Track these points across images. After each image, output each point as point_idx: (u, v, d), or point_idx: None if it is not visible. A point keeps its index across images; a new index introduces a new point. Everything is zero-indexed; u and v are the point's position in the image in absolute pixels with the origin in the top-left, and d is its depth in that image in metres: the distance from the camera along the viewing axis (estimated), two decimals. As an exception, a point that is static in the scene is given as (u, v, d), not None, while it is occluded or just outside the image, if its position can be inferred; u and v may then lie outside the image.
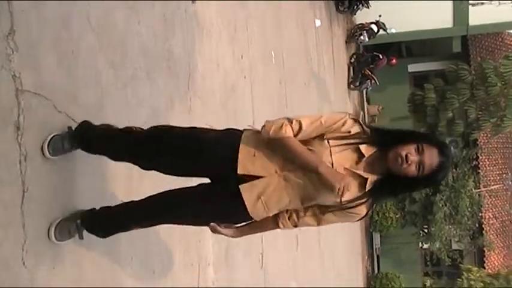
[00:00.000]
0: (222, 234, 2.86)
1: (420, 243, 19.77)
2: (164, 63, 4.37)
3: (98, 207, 2.99)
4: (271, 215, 2.74)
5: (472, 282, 17.62)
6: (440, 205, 17.26)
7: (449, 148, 2.67)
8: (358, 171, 2.62)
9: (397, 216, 18.49)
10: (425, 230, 18.64)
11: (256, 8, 7.44)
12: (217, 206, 2.72)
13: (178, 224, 3.07)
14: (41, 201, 2.74)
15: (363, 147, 2.62)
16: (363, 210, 2.72)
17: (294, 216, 2.81)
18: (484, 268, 19.54)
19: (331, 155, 2.59)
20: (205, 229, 4.72)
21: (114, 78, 3.58)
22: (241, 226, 2.93)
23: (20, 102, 2.65)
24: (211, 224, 2.81)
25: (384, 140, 2.65)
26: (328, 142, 2.62)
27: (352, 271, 15.13)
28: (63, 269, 2.87)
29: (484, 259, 20.07)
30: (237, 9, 6.54)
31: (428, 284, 19.16)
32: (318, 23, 12.40)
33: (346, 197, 2.58)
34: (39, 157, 2.74)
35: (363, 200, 2.66)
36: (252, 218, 2.76)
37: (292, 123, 2.62)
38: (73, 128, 2.93)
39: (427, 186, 2.87)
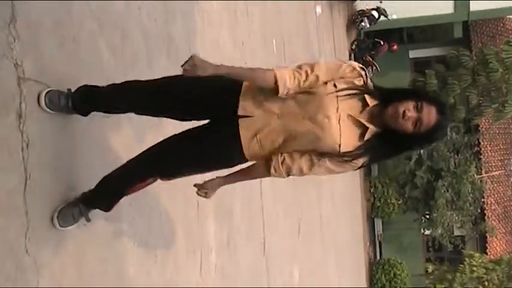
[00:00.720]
0: (208, 193, 2.88)
1: (422, 229, 19.83)
2: (165, 49, 4.37)
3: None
4: (264, 154, 2.70)
5: (474, 268, 17.70)
6: (442, 191, 17.31)
7: (448, 109, 2.66)
8: (360, 120, 2.61)
9: (399, 202, 18.54)
10: (427, 216, 18.72)
11: (256, -6, 7.42)
12: (215, 143, 2.71)
13: (177, 171, 2.87)
14: (43, 188, 2.75)
15: (367, 97, 2.62)
16: (359, 161, 2.68)
17: (288, 160, 2.69)
18: (486, 254, 19.61)
19: (337, 99, 2.58)
20: (208, 215, 4.78)
21: (115, 64, 3.58)
22: (231, 173, 2.90)
23: (22, 90, 2.64)
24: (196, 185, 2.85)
25: (386, 94, 2.65)
26: (335, 86, 2.60)
27: (354, 257, 15.19)
28: (66, 256, 2.88)
29: (486, 245, 20.15)
30: (237, -4, 6.52)
31: (430, 270, 19.21)
32: (318, 9, 12.38)
33: (345, 146, 2.58)
34: (41, 144, 2.75)
35: (361, 151, 2.64)
36: (246, 160, 2.74)
37: (307, 75, 2.60)
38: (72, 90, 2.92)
39: (423, 144, 2.84)
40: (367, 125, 2.61)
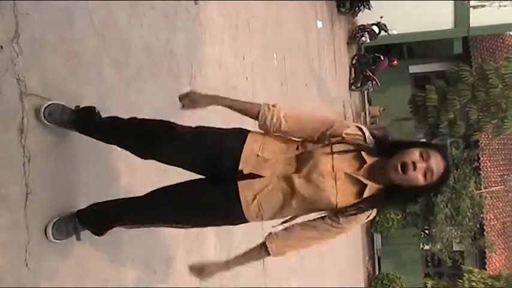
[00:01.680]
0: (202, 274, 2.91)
1: (421, 244, 19.79)
2: (166, 63, 4.39)
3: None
4: (264, 218, 2.69)
5: (474, 284, 17.62)
6: (442, 206, 17.28)
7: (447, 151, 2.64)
8: (358, 177, 2.56)
9: (398, 217, 18.51)
10: (427, 231, 18.67)
11: (258, 9, 7.46)
12: (213, 201, 2.67)
13: (170, 222, 2.89)
14: (44, 203, 2.75)
15: (365, 154, 2.57)
16: (362, 217, 2.65)
17: (282, 234, 2.74)
18: (485, 269, 19.55)
19: (332, 158, 2.56)
20: (207, 230, 4.77)
21: (117, 79, 3.59)
22: (231, 259, 2.92)
23: (24, 105, 2.66)
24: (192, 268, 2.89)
25: (385, 148, 2.59)
26: (330, 145, 2.59)
27: (353, 272, 15.13)
28: (66, 271, 2.87)
29: (485, 260, 20.08)
30: (239, 10, 6.55)
31: (429, 285, 19.14)
32: (319, 24, 12.43)
33: (342, 204, 2.55)
34: (42, 159, 2.75)
35: (362, 207, 2.59)
36: (246, 221, 2.72)
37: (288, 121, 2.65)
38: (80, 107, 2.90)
39: (431, 192, 2.79)
40: (365, 182, 2.56)
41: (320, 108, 11.17)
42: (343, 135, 2.60)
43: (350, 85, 17.32)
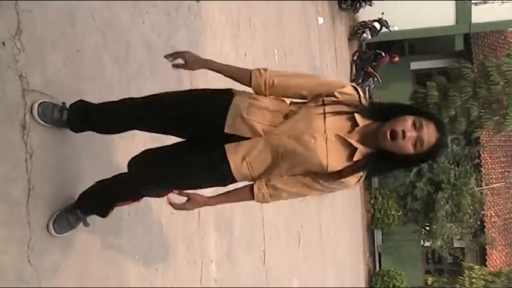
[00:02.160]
0: (187, 205, 2.81)
1: (422, 240, 19.82)
2: (168, 61, 4.38)
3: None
4: (255, 176, 2.64)
5: (474, 280, 17.64)
6: (442, 203, 17.31)
7: (444, 124, 2.52)
8: (349, 140, 2.50)
9: (398, 213, 18.53)
10: (427, 228, 18.70)
11: (259, 6, 7.46)
12: (202, 165, 2.64)
13: (164, 185, 2.81)
14: (46, 199, 2.77)
15: (358, 117, 2.51)
16: (352, 180, 2.58)
17: (272, 182, 2.64)
18: (486, 266, 19.56)
19: (324, 118, 2.49)
20: (208, 226, 4.78)
21: (118, 75, 3.60)
22: (216, 195, 2.83)
23: (26, 101, 2.67)
24: (171, 198, 2.80)
25: (379, 113, 2.53)
26: (323, 105, 2.52)
27: (354, 268, 15.16)
28: (68, 267, 2.89)
29: (486, 257, 20.10)
30: (240, 7, 6.55)
31: (429, 282, 19.15)
32: (320, 20, 12.41)
33: (333, 166, 2.50)
34: (45, 155, 2.76)
35: (351, 171, 2.53)
36: (235, 179, 2.67)
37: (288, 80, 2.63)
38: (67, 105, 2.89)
39: (422, 162, 2.67)
40: (356, 145, 2.50)
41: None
42: (338, 95, 2.54)
43: (351, 81, 17.30)
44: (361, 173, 2.58)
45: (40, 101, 2.73)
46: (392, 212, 18.34)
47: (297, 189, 2.66)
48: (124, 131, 3.00)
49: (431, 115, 2.51)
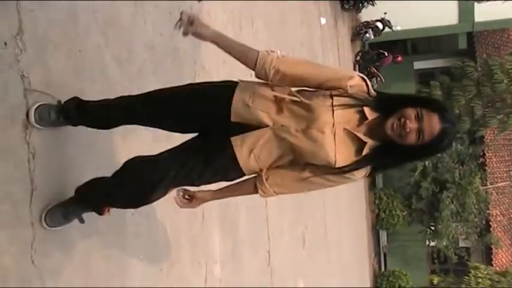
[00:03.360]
0: (192, 203, 2.81)
1: (427, 240, 19.79)
2: (170, 60, 4.39)
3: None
4: (263, 168, 2.60)
5: (480, 280, 17.61)
6: (447, 202, 17.29)
7: (452, 114, 2.49)
8: (358, 134, 2.49)
9: (403, 213, 18.52)
10: (432, 228, 18.68)
11: (261, 6, 7.45)
12: (210, 157, 2.59)
13: (170, 184, 2.70)
14: (49, 199, 2.75)
15: (366, 110, 2.48)
16: (359, 174, 2.57)
17: (274, 176, 2.62)
18: (492, 266, 19.51)
19: (332, 111, 2.45)
20: (213, 226, 4.77)
21: (120, 75, 3.59)
22: (220, 189, 2.81)
23: (28, 101, 2.66)
24: (179, 192, 2.77)
25: (385, 105, 2.50)
26: (331, 97, 2.48)
27: (359, 269, 15.14)
28: (72, 267, 2.88)
29: (492, 256, 20.05)
30: (242, 7, 6.54)
31: (435, 282, 19.14)
32: (323, 20, 12.41)
33: (341, 161, 2.47)
34: (47, 155, 2.76)
35: (359, 165, 2.52)
36: (243, 173, 2.63)
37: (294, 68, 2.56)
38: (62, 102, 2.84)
39: (430, 154, 2.66)
40: (365, 139, 2.49)
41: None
42: (347, 87, 2.49)
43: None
44: (369, 167, 2.56)
45: (36, 106, 2.69)
46: (397, 212, 18.33)
47: (300, 183, 2.63)
48: (121, 125, 2.96)
49: (436, 105, 2.47)
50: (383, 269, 20.01)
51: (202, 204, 2.90)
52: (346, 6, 16.35)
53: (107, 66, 3.44)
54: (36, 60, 2.75)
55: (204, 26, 2.60)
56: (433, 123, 2.39)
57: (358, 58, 17.58)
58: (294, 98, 2.52)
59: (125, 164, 2.70)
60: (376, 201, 18.63)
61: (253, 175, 2.68)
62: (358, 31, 17.40)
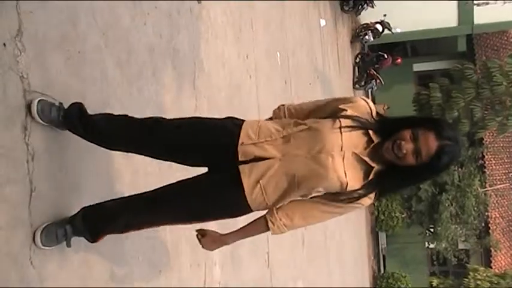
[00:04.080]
0: (206, 244, 2.84)
1: (426, 242, 19.78)
2: (170, 62, 4.39)
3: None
4: (269, 203, 2.58)
5: (479, 282, 17.60)
6: (446, 204, 17.27)
7: (452, 131, 2.46)
8: (365, 158, 2.49)
9: (403, 215, 18.50)
10: (432, 230, 18.66)
11: (261, 8, 7.46)
12: (216, 194, 2.59)
13: (172, 220, 2.80)
14: (48, 201, 2.75)
15: (371, 133, 2.51)
16: (366, 201, 2.57)
17: (284, 210, 2.61)
18: (491, 268, 19.50)
19: (341, 133, 2.46)
20: (212, 228, 4.76)
21: (120, 77, 3.59)
22: (233, 232, 2.81)
23: (27, 102, 2.66)
24: (200, 233, 2.79)
25: (385, 128, 2.52)
26: (339, 120, 2.50)
27: (358, 271, 15.13)
28: (71, 269, 2.88)
29: (491, 259, 20.04)
30: (242, 9, 6.55)
31: (434, 284, 19.13)
32: (322, 22, 12.41)
33: (352, 185, 2.47)
34: (46, 157, 2.76)
35: (367, 190, 2.52)
36: (250, 210, 2.63)
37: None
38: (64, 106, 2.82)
39: (431, 174, 2.63)
40: (372, 164, 2.50)
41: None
42: (350, 108, 2.54)
43: (354, 84, 17.30)
44: (375, 192, 2.57)
45: (39, 99, 2.69)
46: (396, 214, 18.31)
47: (311, 214, 2.63)
48: (120, 151, 2.97)
49: (433, 124, 2.47)
50: (382, 271, 19.98)
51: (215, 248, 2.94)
52: (346, 8, 16.36)
53: (107, 68, 3.44)
54: (36, 62, 2.74)
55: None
56: (429, 142, 2.38)
57: (358, 60, 17.59)
58: (302, 128, 2.55)
59: (132, 196, 2.80)
60: (375, 203, 18.61)
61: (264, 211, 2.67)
62: (357, 33, 17.41)
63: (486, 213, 19.14)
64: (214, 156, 2.62)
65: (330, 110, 2.61)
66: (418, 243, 19.82)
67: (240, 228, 2.78)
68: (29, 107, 2.66)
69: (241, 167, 2.53)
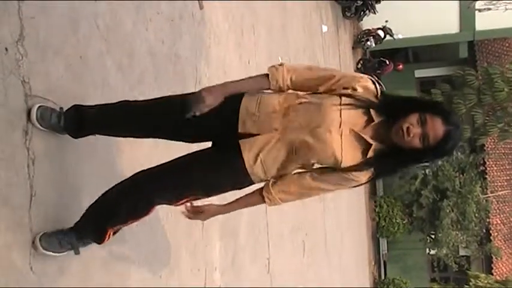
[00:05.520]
0: (202, 216, 2.81)
1: (427, 249, 19.75)
2: (171, 67, 4.39)
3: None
4: (269, 176, 2.62)
5: (480, 289, 17.57)
6: (448, 211, 17.25)
7: (456, 116, 2.54)
8: (364, 136, 2.51)
9: (404, 221, 18.48)
10: (433, 236, 18.64)
11: (263, 13, 7.47)
12: (218, 167, 2.62)
13: (175, 196, 2.71)
14: (48, 205, 2.75)
15: (373, 112, 2.52)
16: (363, 176, 2.59)
17: (280, 183, 2.64)
18: (492, 274, 19.46)
19: (340, 110, 2.48)
20: (212, 233, 4.77)
21: (121, 82, 3.60)
22: (228, 203, 2.82)
23: (28, 107, 2.66)
24: (189, 207, 2.76)
25: (390, 109, 2.53)
26: (340, 97, 2.51)
27: (359, 277, 15.10)
28: (70, 273, 2.87)
29: (492, 265, 20.00)
30: (244, 14, 6.56)
31: (435, 290, 19.10)
32: (324, 28, 12.43)
33: (347, 161, 2.50)
34: (47, 161, 2.76)
35: (365, 167, 2.55)
36: (252, 182, 2.65)
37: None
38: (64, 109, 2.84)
39: (435, 157, 2.67)
40: (371, 141, 2.52)
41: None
42: (358, 88, 2.53)
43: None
44: (372, 170, 2.59)
45: (39, 105, 2.69)
46: (397, 220, 18.29)
47: (306, 190, 2.67)
48: (123, 137, 2.98)
49: (440, 109, 2.51)
50: (383, 277, 19.94)
51: (211, 217, 2.89)
52: (348, 14, 16.38)
53: (108, 73, 3.45)
54: (37, 66, 2.75)
55: (213, 101, 2.55)
56: (437, 127, 2.42)
57: (360, 66, 17.59)
58: (303, 100, 2.56)
59: (128, 179, 2.75)
60: (377, 209, 18.60)
61: (262, 184, 2.69)
62: (359, 39, 17.42)
63: (487, 220, 19.11)
64: (216, 130, 2.64)
65: (335, 83, 2.57)
66: (419, 249, 19.81)
67: (235, 200, 2.81)
68: (29, 112, 2.67)
69: (241, 142, 2.56)
